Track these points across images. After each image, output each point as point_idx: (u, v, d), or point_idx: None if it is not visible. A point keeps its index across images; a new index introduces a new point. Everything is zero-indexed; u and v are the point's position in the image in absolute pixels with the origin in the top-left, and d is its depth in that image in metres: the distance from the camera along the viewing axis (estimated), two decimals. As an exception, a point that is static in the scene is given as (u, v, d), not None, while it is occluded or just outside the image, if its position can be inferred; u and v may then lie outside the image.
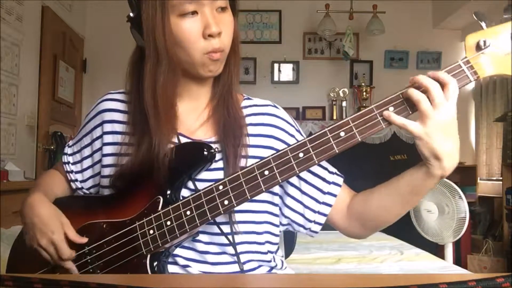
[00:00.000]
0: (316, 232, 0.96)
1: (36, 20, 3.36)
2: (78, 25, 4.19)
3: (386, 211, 0.89)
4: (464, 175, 4.08)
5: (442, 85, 0.75)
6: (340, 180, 0.95)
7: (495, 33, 0.77)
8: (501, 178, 3.82)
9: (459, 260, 3.77)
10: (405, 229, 3.08)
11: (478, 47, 0.77)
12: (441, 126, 0.75)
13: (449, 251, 3.00)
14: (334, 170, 0.96)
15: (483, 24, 0.78)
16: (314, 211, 0.94)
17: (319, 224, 0.95)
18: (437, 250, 3.17)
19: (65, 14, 3.86)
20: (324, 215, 0.94)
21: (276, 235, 0.98)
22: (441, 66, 4.50)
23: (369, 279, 0.79)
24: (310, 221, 0.95)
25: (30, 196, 0.93)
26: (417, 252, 2.29)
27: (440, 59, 4.53)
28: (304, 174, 0.94)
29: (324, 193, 0.94)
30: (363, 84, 4.38)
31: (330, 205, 0.94)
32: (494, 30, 0.77)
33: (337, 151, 0.79)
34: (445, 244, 2.97)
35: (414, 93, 0.76)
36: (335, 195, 0.94)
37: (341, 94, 4.40)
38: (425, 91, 0.75)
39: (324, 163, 0.94)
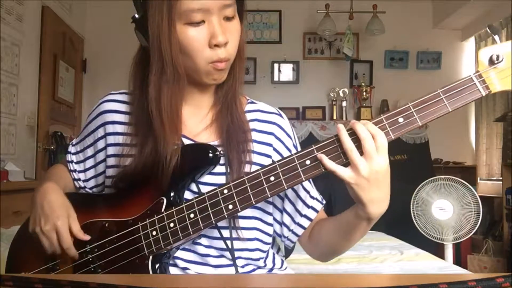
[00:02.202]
0: (292, 242, 0.99)
1: (36, 20, 3.36)
2: (78, 25, 4.19)
3: (332, 241, 0.93)
4: (464, 175, 4.08)
5: (372, 136, 0.76)
6: (318, 206, 0.97)
7: (508, 47, 0.76)
8: (501, 178, 3.82)
9: (459, 260, 3.77)
10: (405, 229, 3.09)
11: (491, 61, 0.76)
12: (369, 177, 0.76)
13: (449, 251, 3.01)
14: (316, 195, 0.98)
15: (496, 37, 0.77)
16: (289, 229, 0.97)
17: (292, 241, 0.99)
18: (437, 250, 3.17)
19: (65, 14, 3.86)
20: (297, 235, 0.97)
21: (267, 243, 0.98)
22: (441, 66, 4.50)
23: (369, 279, 0.79)
24: (284, 236, 0.99)
25: (44, 183, 0.93)
26: (417, 252, 2.29)
27: (440, 59, 4.53)
28: (288, 193, 0.96)
29: (301, 215, 0.96)
30: (363, 84, 4.38)
31: (304, 228, 0.96)
32: (508, 44, 0.76)
33: (344, 160, 0.79)
34: (446, 244, 2.98)
35: (346, 142, 0.76)
36: (311, 219, 0.96)
37: (341, 94, 4.40)
38: (359, 139, 0.76)
39: (309, 187, 0.97)
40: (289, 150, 0.97)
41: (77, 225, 0.89)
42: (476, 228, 2.90)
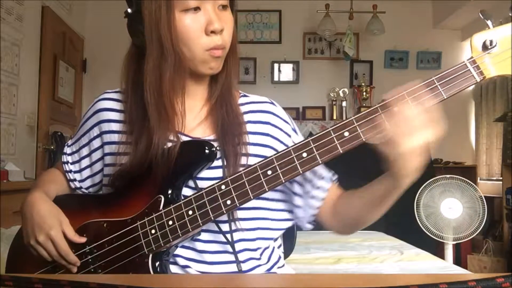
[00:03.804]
0: (312, 220, 0.98)
1: (36, 20, 3.35)
2: (78, 25, 4.19)
3: (363, 213, 0.92)
4: (464, 175, 4.08)
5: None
6: (327, 185, 0.96)
7: (501, 32, 0.75)
8: (501, 178, 3.82)
9: (459, 260, 3.77)
10: (405, 229, 3.09)
11: (485, 47, 0.75)
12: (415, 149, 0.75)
13: (449, 251, 3.01)
14: (324, 174, 0.96)
15: (489, 23, 0.76)
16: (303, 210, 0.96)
17: (310, 223, 0.97)
18: (437, 250, 3.17)
19: (65, 14, 3.86)
20: (314, 208, 0.96)
21: (273, 229, 0.97)
22: (441, 66, 4.50)
23: (369, 279, 0.79)
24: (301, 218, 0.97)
25: (30, 194, 0.92)
26: (417, 252, 2.29)
27: (440, 59, 4.53)
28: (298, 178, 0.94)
29: (311, 197, 0.95)
30: (363, 84, 4.38)
31: (316, 208, 0.96)
32: (501, 29, 0.75)
33: (341, 151, 0.79)
34: (446, 243, 2.98)
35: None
36: (322, 199, 0.95)
37: (341, 94, 4.40)
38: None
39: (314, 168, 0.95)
40: (289, 135, 0.97)
41: (71, 230, 0.88)
42: (481, 228, 2.91)
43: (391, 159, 0.77)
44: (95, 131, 0.98)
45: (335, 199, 0.96)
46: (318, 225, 1.01)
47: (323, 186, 0.96)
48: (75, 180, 1.02)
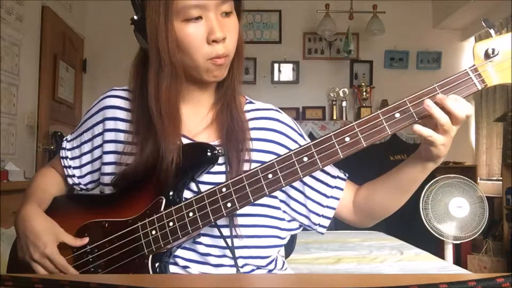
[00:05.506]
0: (322, 233, 0.98)
1: (36, 20, 3.35)
2: (78, 25, 4.19)
3: (389, 201, 0.93)
4: (464, 175, 4.08)
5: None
6: (342, 184, 0.96)
7: (504, 41, 0.76)
8: (501, 178, 3.81)
9: (459, 260, 3.77)
10: (405, 229, 3.09)
11: (487, 55, 0.76)
12: (452, 137, 0.78)
13: (449, 251, 3.00)
14: (337, 173, 0.97)
15: (492, 31, 0.77)
16: (318, 215, 0.96)
17: (324, 227, 0.97)
18: (437, 250, 3.17)
19: (65, 14, 3.85)
20: (329, 218, 0.96)
21: (282, 238, 0.97)
22: (441, 66, 4.50)
23: (369, 279, 0.79)
24: (315, 224, 0.96)
25: (23, 208, 0.92)
26: (417, 252, 2.29)
27: (440, 59, 4.53)
28: (307, 179, 0.94)
29: (327, 197, 0.95)
30: (363, 84, 4.38)
31: (333, 208, 0.96)
32: (503, 38, 0.76)
33: (341, 156, 0.79)
34: (447, 241, 2.98)
35: (442, 117, 0.75)
36: (338, 199, 0.95)
37: (341, 94, 4.40)
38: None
39: (326, 168, 0.94)
40: (296, 142, 0.97)
41: (70, 238, 0.88)
42: (483, 228, 2.91)
43: (424, 141, 0.78)
44: (99, 128, 0.97)
45: (353, 195, 0.97)
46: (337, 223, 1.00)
47: (338, 185, 0.96)
48: (73, 176, 1.02)
